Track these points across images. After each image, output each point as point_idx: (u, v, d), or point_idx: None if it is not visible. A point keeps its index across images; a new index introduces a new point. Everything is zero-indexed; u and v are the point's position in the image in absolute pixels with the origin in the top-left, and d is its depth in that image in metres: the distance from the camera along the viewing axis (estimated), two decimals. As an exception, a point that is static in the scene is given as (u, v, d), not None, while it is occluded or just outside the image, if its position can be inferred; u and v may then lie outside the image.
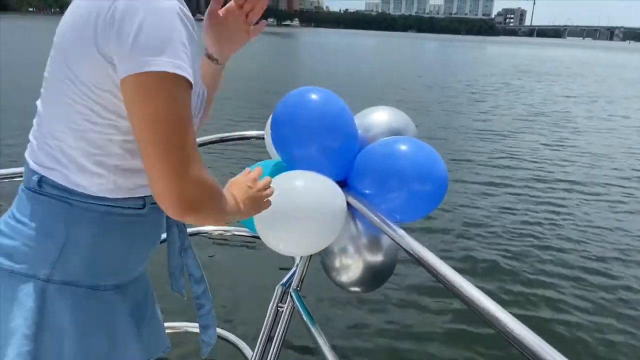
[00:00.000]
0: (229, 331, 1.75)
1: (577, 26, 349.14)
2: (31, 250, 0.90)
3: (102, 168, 0.90)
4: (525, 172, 7.27)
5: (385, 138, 1.60)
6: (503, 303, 0.91)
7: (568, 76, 27.36)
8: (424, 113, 12.45)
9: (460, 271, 1.02)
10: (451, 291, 0.98)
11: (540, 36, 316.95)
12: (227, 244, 3.94)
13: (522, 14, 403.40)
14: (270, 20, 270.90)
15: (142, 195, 0.97)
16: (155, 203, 0.95)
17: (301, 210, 1.40)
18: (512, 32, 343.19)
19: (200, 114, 1.06)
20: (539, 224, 5.20)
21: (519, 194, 6.21)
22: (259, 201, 1.10)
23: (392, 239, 1.27)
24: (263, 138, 1.86)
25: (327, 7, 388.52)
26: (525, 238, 4.79)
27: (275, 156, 1.67)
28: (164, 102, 0.80)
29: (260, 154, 1.85)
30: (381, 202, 1.48)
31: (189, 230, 1.79)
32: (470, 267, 4.12)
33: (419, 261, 1.14)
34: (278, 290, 1.62)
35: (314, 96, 1.55)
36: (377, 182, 1.50)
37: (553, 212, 5.59)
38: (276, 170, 1.59)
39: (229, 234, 1.84)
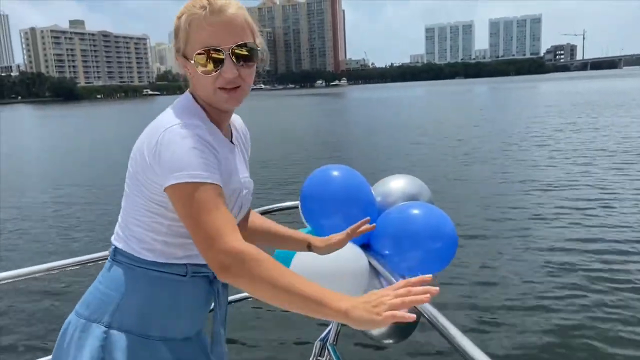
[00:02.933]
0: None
1: (632, 55, 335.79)
2: (101, 302, 1.20)
3: (154, 242, 1.20)
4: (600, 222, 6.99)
5: (400, 204, 1.83)
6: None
7: (634, 108, 26.05)
8: (483, 165, 12.11)
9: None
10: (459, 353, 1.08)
11: (595, 69, 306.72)
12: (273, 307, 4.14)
13: (573, 49, 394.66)
14: (319, 82, 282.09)
15: (185, 263, 1.22)
16: (198, 273, 1.26)
17: (329, 273, 1.64)
18: (564, 68, 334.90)
19: (239, 211, 1.32)
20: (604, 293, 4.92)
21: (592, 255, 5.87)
22: (378, 307, 0.93)
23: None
24: (298, 207, 2.13)
25: (372, 63, 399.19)
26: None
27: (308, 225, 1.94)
28: (189, 201, 1.06)
29: (297, 223, 2.12)
30: (400, 261, 1.69)
31: (240, 295, 2.06)
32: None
33: (428, 320, 1.25)
34: (317, 345, 1.83)
35: (335, 173, 1.83)
36: (394, 244, 1.72)
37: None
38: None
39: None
